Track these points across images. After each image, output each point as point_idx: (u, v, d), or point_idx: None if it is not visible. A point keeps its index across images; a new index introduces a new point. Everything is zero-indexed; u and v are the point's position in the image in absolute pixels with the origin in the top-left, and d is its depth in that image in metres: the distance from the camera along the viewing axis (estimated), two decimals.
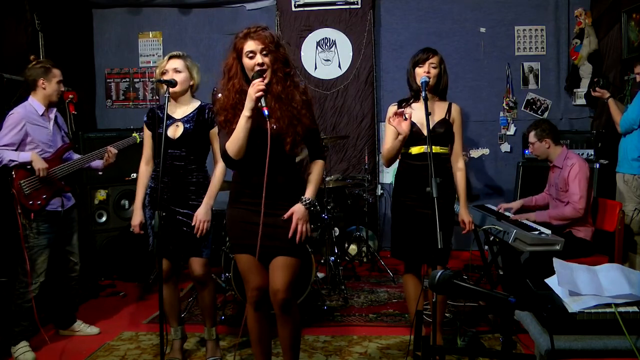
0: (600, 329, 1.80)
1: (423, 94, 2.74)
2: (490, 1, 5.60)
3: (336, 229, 4.82)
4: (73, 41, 5.44)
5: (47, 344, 3.34)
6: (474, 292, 1.80)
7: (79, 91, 4.96)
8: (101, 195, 4.95)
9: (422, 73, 2.89)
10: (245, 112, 2.23)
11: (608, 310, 1.79)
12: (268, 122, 2.20)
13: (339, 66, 5.74)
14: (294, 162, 2.41)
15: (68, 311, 3.58)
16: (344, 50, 5.72)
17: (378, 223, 5.71)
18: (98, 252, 4.88)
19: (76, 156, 3.54)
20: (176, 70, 2.92)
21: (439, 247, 2.31)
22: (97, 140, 4.73)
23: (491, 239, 3.71)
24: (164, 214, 2.85)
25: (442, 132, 2.95)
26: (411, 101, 3.02)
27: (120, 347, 3.36)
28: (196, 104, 3.01)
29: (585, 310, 1.80)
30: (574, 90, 5.42)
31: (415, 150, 2.94)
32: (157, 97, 5.92)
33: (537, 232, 3.15)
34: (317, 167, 2.47)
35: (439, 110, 2.99)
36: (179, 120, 2.95)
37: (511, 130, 5.63)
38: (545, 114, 5.54)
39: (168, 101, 2.77)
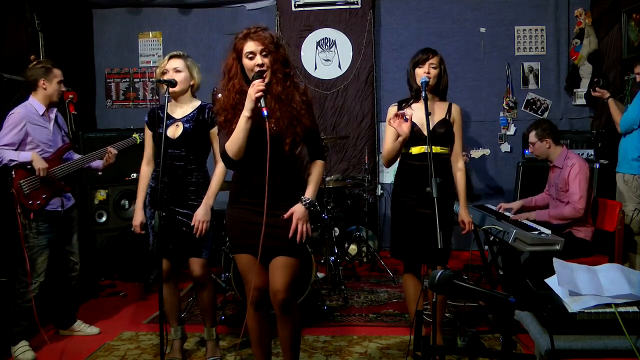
0: (600, 329, 1.80)
1: (423, 94, 2.74)
2: (490, 1, 5.60)
3: (336, 229, 4.82)
4: (73, 41, 5.45)
5: (47, 344, 3.34)
6: (474, 292, 1.79)
7: (79, 91, 4.96)
8: (101, 195, 4.95)
9: (422, 73, 2.89)
10: (245, 113, 2.23)
11: (608, 310, 1.79)
12: (267, 122, 2.20)
13: (339, 66, 5.74)
14: (293, 162, 2.41)
15: (68, 311, 3.58)
16: (344, 50, 5.72)
17: (378, 223, 5.71)
18: (98, 252, 4.88)
19: (76, 156, 3.54)
20: (176, 70, 2.92)
21: (439, 247, 2.31)
22: (97, 140, 4.74)
23: (491, 239, 3.71)
24: (164, 214, 2.85)
25: (442, 133, 2.95)
26: (411, 101, 3.02)
27: (120, 347, 3.36)
28: (196, 103, 3.01)
29: (585, 310, 1.80)
30: (574, 90, 5.42)
31: (415, 150, 2.94)
32: (157, 97, 5.92)
33: (537, 232, 3.15)
34: (317, 168, 2.47)
35: (439, 111, 2.99)
36: (179, 120, 2.95)
37: (511, 130, 5.63)
38: (545, 114, 5.54)
39: (168, 101, 2.77)
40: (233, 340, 3.41)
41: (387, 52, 5.77)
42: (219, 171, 2.90)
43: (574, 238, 3.50)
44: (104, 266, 4.88)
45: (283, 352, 2.51)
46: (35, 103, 3.29)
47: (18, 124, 3.17)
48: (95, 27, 5.95)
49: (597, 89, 4.13)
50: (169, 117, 2.96)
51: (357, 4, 5.64)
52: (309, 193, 2.38)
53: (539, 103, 5.60)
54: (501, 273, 3.70)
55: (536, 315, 1.91)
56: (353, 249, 5.25)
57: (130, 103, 6.01)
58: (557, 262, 2.03)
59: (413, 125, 2.89)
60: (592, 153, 4.76)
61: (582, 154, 4.56)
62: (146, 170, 3.07)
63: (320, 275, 4.41)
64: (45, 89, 3.29)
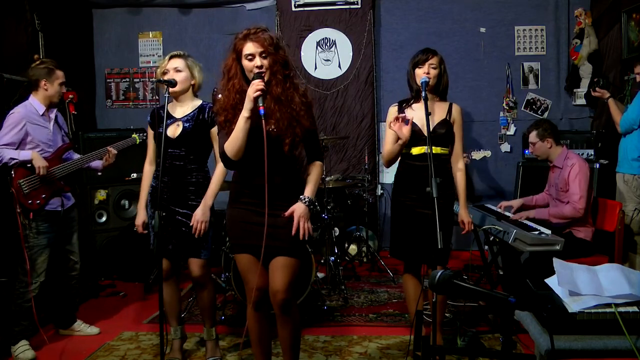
0: (600, 329, 1.80)
1: (423, 94, 2.74)
2: (490, 1, 5.60)
3: (336, 229, 4.82)
4: (73, 41, 5.45)
5: (46, 343, 3.34)
6: (474, 292, 1.80)
7: (79, 91, 4.96)
8: (101, 195, 4.96)
9: (421, 74, 2.89)
10: (244, 113, 2.23)
11: (608, 310, 1.79)
12: (264, 121, 2.20)
13: (339, 66, 5.74)
14: (293, 163, 2.41)
15: (68, 311, 3.58)
16: (344, 50, 5.72)
17: (378, 223, 5.71)
18: (98, 252, 4.88)
19: (76, 156, 3.54)
20: (177, 70, 2.92)
21: (439, 247, 2.31)
22: (97, 140, 4.74)
23: (491, 239, 3.71)
24: (163, 214, 2.85)
25: (442, 133, 2.95)
26: (412, 102, 3.02)
27: (120, 347, 3.36)
28: (197, 103, 3.01)
29: (585, 310, 1.80)
30: (574, 90, 5.42)
31: (415, 150, 2.94)
32: (157, 97, 5.93)
33: (537, 232, 3.15)
34: (315, 168, 2.47)
35: (440, 111, 2.99)
36: (179, 119, 2.95)
37: (511, 130, 5.63)
38: (545, 114, 5.54)
39: (169, 101, 2.76)
40: (233, 340, 3.41)
41: (387, 52, 5.77)
42: (218, 171, 2.89)
43: (574, 238, 3.50)
44: (104, 266, 4.88)
45: (283, 352, 2.51)
46: (35, 103, 3.29)
47: (18, 123, 3.17)
48: (95, 27, 5.95)
49: (597, 89, 4.13)
50: (170, 116, 2.96)
51: (357, 4, 5.64)
52: (308, 192, 2.39)
53: (539, 103, 5.60)
54: (501, 273, 3.70)
55: (536, 315, 1.91)
56: (353, 249, 5.25)
57: (130, 103, 6.02)
58: (557, 262, 2.03)
59: (413, 125, 2.89)
60: (592, 153, 4.76)
61: (582, 154, 4.56)
62: (149, 170, 3.07)
63: (320, 275, 4.41)
64: (46, 89, 3.29)
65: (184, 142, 2.92)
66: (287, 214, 2.31)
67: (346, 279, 4.55)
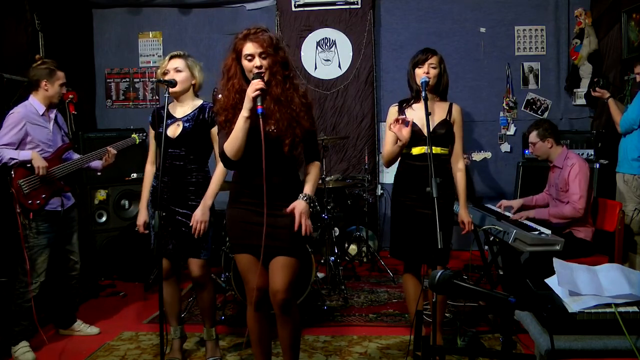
0: (600, 329, 1.80)
1: (423, 94, 2.74)
2: (490, 1, 5.60)
3: (336, 229, 4.82)
4: (73, 41, 5.45)
5: (46, 344, 3.34)
6: (474, 292, 1.79)
7: (79, 91, 4.96)
8: (101, 195, 4.96)
9: (421, 74, 2.89)
10: (244, 113, 2.23)
11: (608, 310, 1.79)
12: (261, 120, 2.20)
13: (339, 66, 5.74)
14: (293, 163, 2.41)
15: (68, 311, 3.58)
16: (344, 50, 5.72)
17: (378, 223, 5.71)
18: (98, 252, 4.89)
19: (76, 156, 3.54)
20: (177, 70, 2.92)
21: (439, 247, 2.31)
22: (97, 140, 4.75)
23: (491, 239, 3.71)
24: (163, 213, 2.85)
25: (442, 133, 2.95)
26: (412, 102, 3.02)
27: (120, 347, 3.36)
28: (198, 103, 3.01)
29: (585, 310, 1.80)
30: (574, 90, 5.42)
31: (416, 150, 2.94)
32: (157, 97, 5.93)
33: (537, 232, 3.15)
34: (314, 167, 2.47)
35: (440, 111, 2.99)
36: (180, 119, 2.95)
37: (511, 130, 5.63)
38: (545, 114, 5.54)
39: (170, 101, 2.76)
40: (233, 340, 3.41)
41: (387, 52, 5.77)
42: (218, 171, 2.88)
43: (574, 238, 3.50)
44: (104, 266, 4.88)
45: (283, 352, 2.51)
46: (35, 103, 3.29)
47: (18, 123, 3.17)
48: (95, 27, 5.95)
49: (597, 89, 4.13)
50: (171, 116, 2.96)
51: (357, 4, 5.64)
52: (308, 190, 2.39)
53: (539, 103, 5.60)
54: (501, 273, 3.70)
55: (536, 315, 1.91)
56: (353, 249, 5.25)
57: (130, 103, 6.01)
58: (557, 262, 2.03)
59: (413, 125, 2.89)
60: (592, 153, 4.76)
61: (582, 154, 4.56)
62: (150, 170, 3.07)
63: (320, 275, 4.41)
64: (47, 90, 3.29)
65: (183, 142, 2.92)
66: (288, 210, 2.31)
67: (346, 279, 4.55)
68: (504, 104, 5.62)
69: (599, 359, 1.83)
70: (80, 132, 4.89)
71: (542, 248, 3.08)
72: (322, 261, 4.49)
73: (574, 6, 5.41)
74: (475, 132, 5.67)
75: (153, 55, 5.95)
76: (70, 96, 4.59)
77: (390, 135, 2.95)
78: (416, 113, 2.96)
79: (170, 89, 2.83)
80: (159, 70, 2.96)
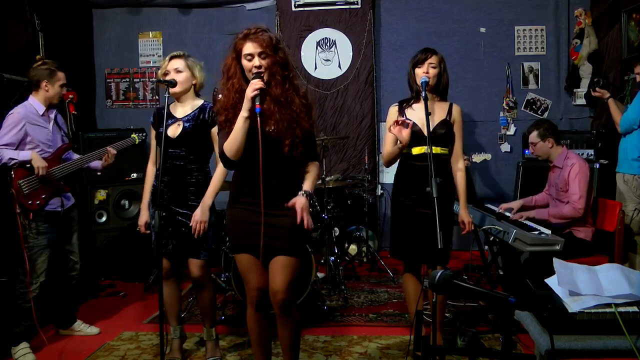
0: (600, 329, 1.80)
1: (423, 94, 2.74)
2: (490, 1, 5.60)
3: (336, 229, 4.82)
4: (73, 41, 5.45)
5: (46, 344, 3.34)
6: (474, 292, 1.79)
7: (79, 91, 4.97)
8: (101, 195, 4.96)
9: (421, 73, 2.89)
10: (243, 113, 2.24)
11: (608, 310, 1.79)
12: (259, 119, 2.20)
13: (339, 66, 5.74)
14: (293, 164, 2.41)
15: (68, 311, 3.58)
16: (344, 50, 5.72)
17: (378, 223, 5.71)
18: (98, 252, 4.89)
19: (76, 156, 3.54)
20: (177, 71, 2.92)
21: (439, 247, 2.31)
22: (97, 140, 4.75)
23: (491, 239, 3.71)
24: (164, 213, 2.85)
25: (442, 133, 2.95)
26: (412, 102, 3.02)
27: (120, 347, 3.36)
28: (199, 103, 3.00)
29: (585, 310, 1.80)
30: (574, 90, 5.42)
31: (416, 150, 2.94)
32: (157, 97, 5.93)
33: (537, 232, 3.15)
34: (313, 166, 2.47)
35: (440, 111, 2.99)
36: (180, 119, 2.95)
37: (511, 130, 5.63)
38: (545, 114, 5.54)
39: (170, 101, 2.76)
40: (233, 340, 3.41)
41: (387, 52, 5.77)
42: (218, 171, 2.87)
43: (574, 238, 3.50)
44: (104, 266, 4.88)
45: (283, 352, 2.51)
46: (35, 103, 3.29)
47: (17, 123, 3.17)
48: (95, 27, 5.95)
49: (597, 89, 4.13)
50: (172, 116, 2.96)
51: (357, 4, 5.64)
52: (307, 186, 2.39)
53: (539, 103, 5.60)
54: (501, 273, 3.70)
55: (536, 315, 1.91)
56: (353, 249, 5.25)
57: (130, 103, 6.01)
58: (557, 262, 2.03)
59: (413, 125, 2.90)
60: (592, 153, 4.76)
61: (582, 154, 4.56)
62: (151, 170, 3.07)
63: (320, 275, 4.41)
64: (47, 90, 3.29)
65: (184, 142, 2.91)
66: (289, 204, 2.30)
67: (346, 279, 4.55)
68: (504, 104, 5.62)
69: (599, 359, 1.83)
70: (80, 132, 4.89)
71: (542, 248, 3.08)
72: (322, 261, 4.49)
73: (574, 6, 5.41)
74: (475, 132, 5.67)
75: (153, 55, 5.95)
76: (70, 96, 4.59)
77: (390, 136, 2.95)
78: (416, 113, 2.96)
79: (171, 90, 2.83)
80: (159, 71, 2.97)
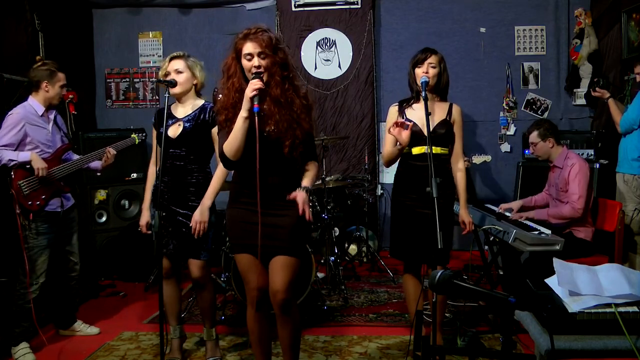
0: (600, 329, 1.80)
1: (423, 94, 2.74)
2: (490, 1, 5.60)
3: (336, 229, 4.82)
4: (73, 41, 5.44)
5: (46, 344, 3.34)
6: (474, 292, 1.79)
7: (79, 91, 4.97)
8: (101, 195, 4.96)
9: (420, 73, 2.89)
10: (242, 113, 2.24)
11: (608, 310, 1.79)
12: (257, 118, 2.20)
13: (339, 66, 5.74)
14: (292, 164, 2.41)
15: (68, 311, 3.58)
16: (344, 50, 5.72)
17: (378, 223, 5.71)
18: (98, 252, 4.89)
19: (75, 156, 3.54)
20: (178, 71, 2.92)
21: (439, 247, 2.31)
22: (97, 141, 4.75)
23: (491, 239, 3.71)
24: (164, 213, 2.85)
25: (442, 133, 2.95)
26: (412, 102, 3.02)
27: (120, 347, 3.36)
28: (199, 103, 3.00)
29: (585, 310, 1.80)
30: (574, 90, 5.42)
31: (416, 150, 2.94)
32: (157, 97, 5.92)
33: (537, 232, 3.15)
34: (312, 165, 2.47)
35: (440, 111, 2.99)
36: (181, 119, 2.95)
37: (511, 130, 5.63)
38: (545, 114, 5.54)
39: (169, 101, 2.76)
40: (233, 340, 3.41)
41: (387, 52, 5.77)
42: (219, 172, 2.86)
43: (574, 238, 3.50)
44: (104, 266, 4.88)
45: (283, 352, 2.51)
46: (34, 103, 3.29)
47: (17, 124, 3.17)
48: (95, 27, 5.95)
49: (597, 89, 4.12)
50: (173, 116, 2.97)
51: (357, 4, 5.64)
52: (306, 183, 2.38)
53: (539, 103, 5.60)
54: (501, 273, 3.70)
55: (536, 315, 1.91)
56: (353, 249, 5.25)
57: (130, 103, 6.01)
58: (557, 262, 2.03)
59: (414, 125, 2.90)
60: (592, 153, 4.76)
61: (582, 154, 4.56)
62: (153, 170, 3.08)
63: (320, 275, 4.41)
64: (47, 91, 3.29)
65: (184, 142, 2.91)
66: (291, 196, 2.28)
67: (346, 279, 4.55)
68: (504, 104, 5.62)
69: (599, 359, 1.83)
70: (80, 132, 4.89)
71: (542, 248, 3.08)
72: (322, 261, 4.49)
73: (574, 6, 5.41)
74: (476, 132, 5.67)
75: (153, 55, 5.95)
76: (70, 96, 4.59)
77: (390, 137, 2.95)
78: (416, 113, 2.96)
79: (172, 91, 2.83)
80: (160, 72, 2.97)
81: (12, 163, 3.13)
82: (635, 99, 3.86)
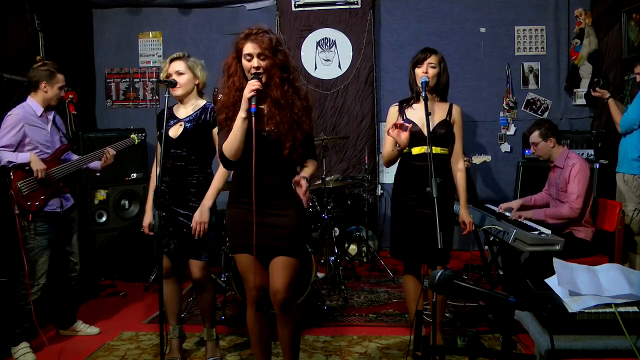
0: (600, 329, 1.80)
1: (423, 94, 2.74)
2: (490, 1, 5.60)
3: (336, 229, 4.82)
4: (73, 41, 5.44)
5: (46, 344, 3.34)
6: (474, 292, 1.79)
7: (79, 91, 4.97)
8: (101, 195, 4.96)
9: (420, 73, 2.89)
10: (241, 114, 2.24)
11: (608, 310, 1.79)
12: (253, 118, 2.20)
13: (339, 66, 5.74)
14: (292, 165, 2.41)
15: (68, 311, 3.58)
16: (344, 50, 5.72)
17: (378, 223, 5.71)
18: (98, 252, 4.89)
19: (75, 157, 3.53)
20: (179, 73, 2.92)
21: (439, 247, 2.31)
22: (97, 141, 4.75)
23: (491, 239, 3.71)
24: (164, 214, 2.85)
25: (442, 133, 2.95)
26: (412, 102, 3.02)
27: (120, 347, 3.36)
28: (201, 103, 3.00)
29: (585, 310, 1.80)
30: (574, 90, 5.42)
31: (416, 150, 2.94)
32: (157, 97, 5.92)
33: (537, 232, 3.15)
34: (310, 162, 2.46)
35: (440, 111, 2.99)
36: (182, 119, 2.95)
37: (511, 130, 5.63)
38: (545, 114, 5.54)
39: (169, 102, 2.76)
40: (233, 340, 3.41)
41: (387, 52, 5.77)
42: (219, 172, 2.86)
43: (574, 238, 3.50)
44: (104, 266, 4.88)
45: (283, 352, 2.51)
46: (33, 104, 3.28)
47: (16, 125, 3.17)
48: (95, 27, 5.95)
49: (597, 89, 4.12)
50: (174, 117, 2.97)
51: (357, 4, 5.64)
52: (305, 173, 2.35)
53: (539, 103, 5.60)
54: (501, 273, 3.70)
55: (536, 315, 1.91)
56: (353, 249, 5.25)
57: (130, 103, 6.01)
58: (557, 262, 2.03)
59: (413, 125, 2.90)
60: (592, 153, 4.76)
61: (582, 154, 4.56)
62: (156, 171, 3.06)
63: (320, 275, 4.41)
64: (46, 92, 3.29)
65: (185, 143, 2.91)
66: (296, 179, 2.24)
67: (346, 279, 4.55)
68: (504, 104, 5.62)
69: (599, 359, 1.83)
70: (80, 132, 4.89)
71: (542, 248, 3.08)
72: (322, 261, 4.49)
73: (574, 6, 5.41)
74: (476, 132, 5.67)
75: (153, 55, 5.95)
76: (70, 96, 4.59)
77: (390, 137, 2.95)
78: (416, 113, 2.96)
79: (173, 93, 2.84)
80: (161, 74, 2.97)
81: (12, 164, 3.13)
82: (635, 99, 3.86)
